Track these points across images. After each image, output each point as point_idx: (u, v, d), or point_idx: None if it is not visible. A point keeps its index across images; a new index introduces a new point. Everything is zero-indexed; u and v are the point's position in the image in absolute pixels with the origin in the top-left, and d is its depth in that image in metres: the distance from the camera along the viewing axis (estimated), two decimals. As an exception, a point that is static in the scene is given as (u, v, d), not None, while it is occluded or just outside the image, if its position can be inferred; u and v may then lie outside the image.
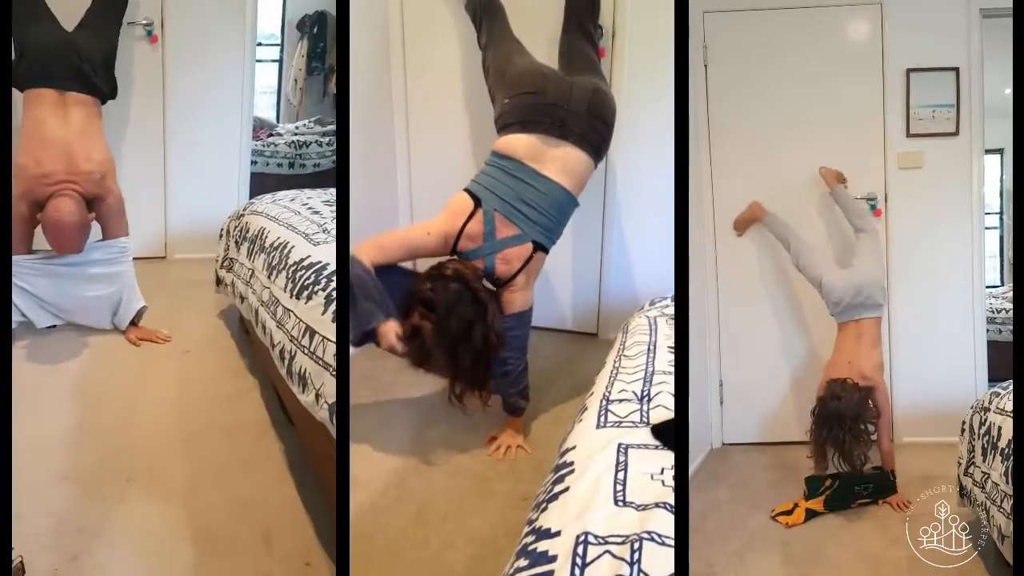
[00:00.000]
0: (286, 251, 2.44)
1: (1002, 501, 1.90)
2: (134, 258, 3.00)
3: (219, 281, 3.07)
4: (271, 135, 5.14)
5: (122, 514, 1.97)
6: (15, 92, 2.90)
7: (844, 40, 2.95)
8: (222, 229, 3.13)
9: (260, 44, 4.21)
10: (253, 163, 4.31)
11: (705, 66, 2.94)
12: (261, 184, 4.17)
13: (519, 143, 2.31)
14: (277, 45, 5.73)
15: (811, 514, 2.44)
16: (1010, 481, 1.85)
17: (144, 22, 3.66)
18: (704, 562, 2.20)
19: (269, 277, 2.44)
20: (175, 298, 3.42)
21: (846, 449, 2.36)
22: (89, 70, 2.91)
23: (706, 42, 2.93)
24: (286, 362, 2.06)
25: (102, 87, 2.98)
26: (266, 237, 2.66)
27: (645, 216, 3.15)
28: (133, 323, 2.98)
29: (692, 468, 2.77)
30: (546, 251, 2.34)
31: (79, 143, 2.77)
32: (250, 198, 3.70)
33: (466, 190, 2.32)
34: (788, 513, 2.44)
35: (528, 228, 2.26)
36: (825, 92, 2.94)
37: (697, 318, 2.89)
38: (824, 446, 2.41)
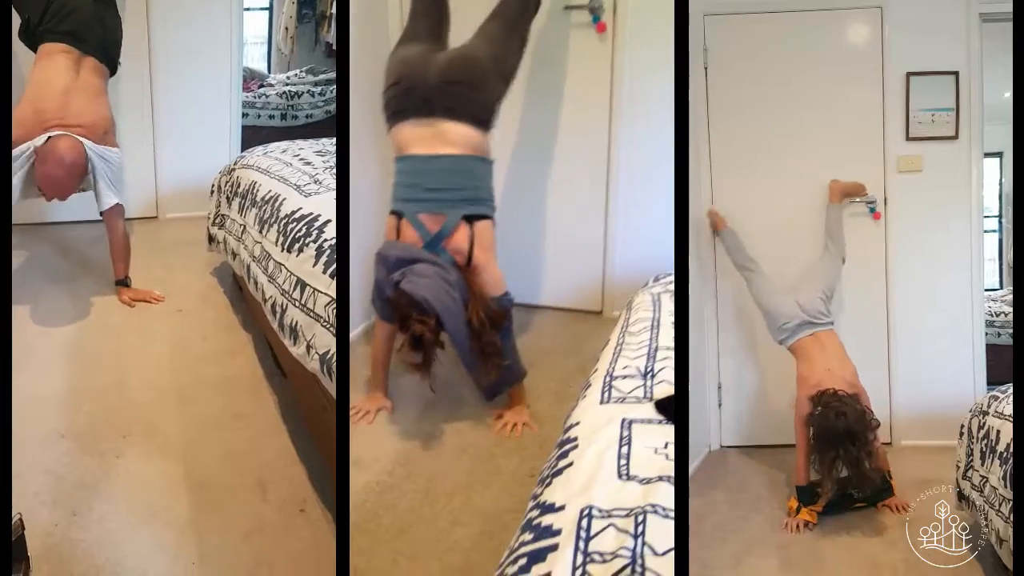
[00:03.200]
0: (277, 204, 2.43)
1: (1000, 505, 1.90)
2: (127, 219, 2.98)
3: (211, 239, 3.04)
4: (262, 86, 5.03)
5: (120, 469, 2.02)
6: (27, 52, 2.90)
7: (844, 43, 2.96)
8: (213, 185, 3.10)
9: (248, -9, 4.10)
10: (244, 115, 4.21)
11: (705, 68, 2.94)
12: (253, 137, 4.07)
13: (400, 136, 2.31)
14: (266, -8, 5.53)
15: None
16: (1008, 485, 1.85)
17: None
18: (702, 564, 2.20)
19: (260, 231, 2.43)
20: (168, 258, 3.44)
21: (863, 467, 2.29)
22: (109, 43, 2.97)
23: (706, 45, 2.94)
24: (278, 316, 2.08)
25: (115, 61, 3.01)
26: (257, 191, 2.64)
27: (649, 192, 3.13)
28: (125, 284, 2.98)
29: (690, 469, 2.77)
30: (486, 218, 2.29)
31: (86, 98, 2.78)
32: (241, 151, 3.60)
33: (391, 211, 2.32)
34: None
35: (451, 209, 2.24)
36: (825, 95, 2.94)
37: (695, 321, 2.88)
38: (832, 465, 2.32)
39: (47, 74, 2.79)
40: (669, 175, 2.84)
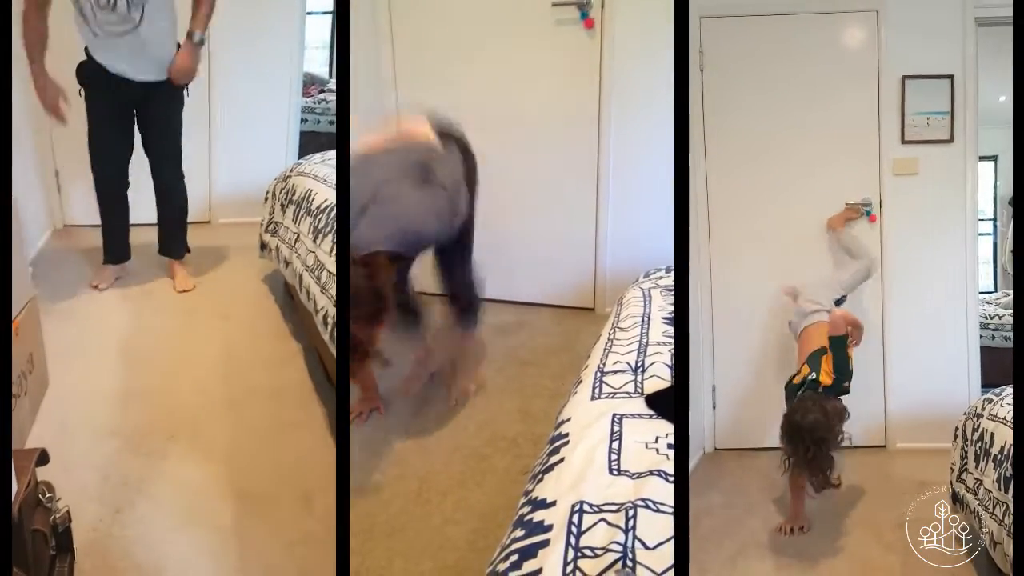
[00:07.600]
0: (333, 214, 2.40)
1: (994, 508, 1.90)
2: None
3: (263, 246, 3.01)
4: (322, 91, 4.87)
5: (164, 470, 2.03)
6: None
7: (840, 47, 2.96)
8: (267, 192, 3.06)
9: (310, -5, 3.93)
10: (303, 121, 4.09)
11: (701, 71, 2.94)
12: (311, 143, 3.98)
13: None
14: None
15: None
16: (1003, 488, 1.85)
17: None
18: (698, 567, 2.19)
19: (315, 241, 2.42)
20: (219, 263, 3.42)
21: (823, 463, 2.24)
22: None
23: (702, 47, 2.94)
24: (329, 327, 2.06)
25: None
26: (313, 199, 2.61)
27: (639, 189, 3.14)
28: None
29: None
30: None
31: None
32: (299, 158, 3.55)
33: None
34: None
35: None
36: (821, 98, 2.94)
37: (691, 323, 2.88)
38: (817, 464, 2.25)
39: None
40: (659, 171, 2.87)
